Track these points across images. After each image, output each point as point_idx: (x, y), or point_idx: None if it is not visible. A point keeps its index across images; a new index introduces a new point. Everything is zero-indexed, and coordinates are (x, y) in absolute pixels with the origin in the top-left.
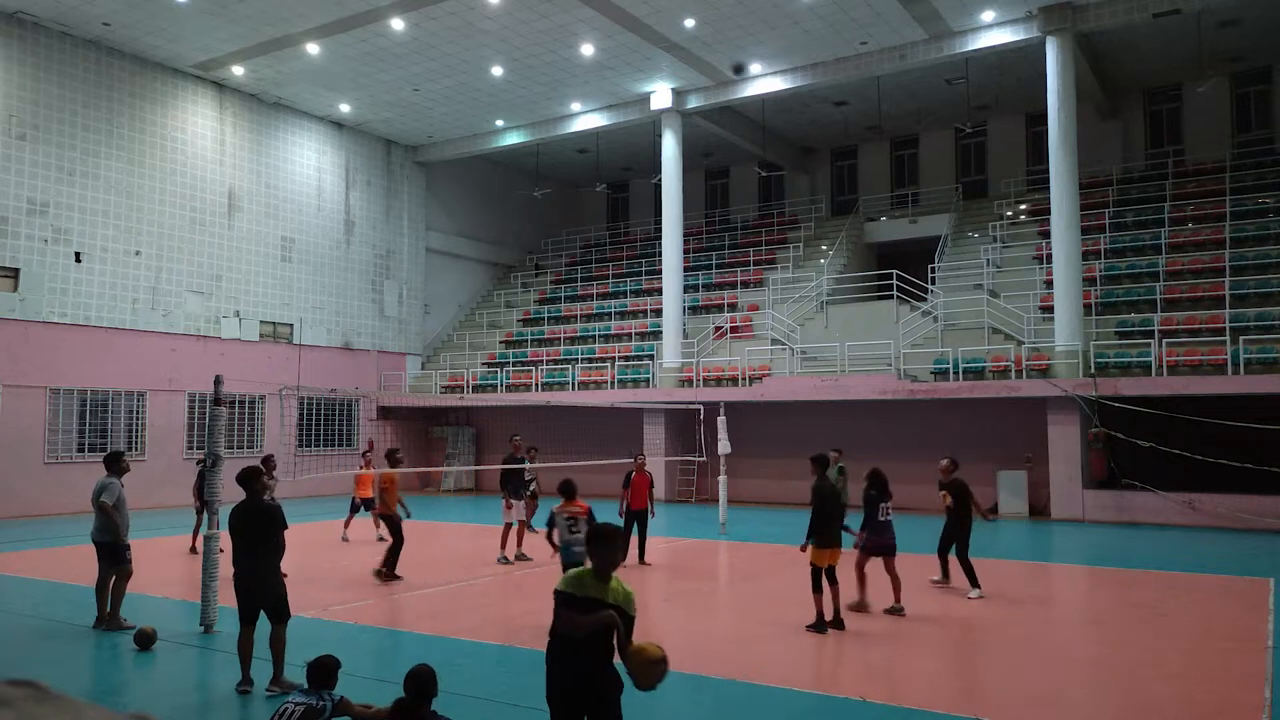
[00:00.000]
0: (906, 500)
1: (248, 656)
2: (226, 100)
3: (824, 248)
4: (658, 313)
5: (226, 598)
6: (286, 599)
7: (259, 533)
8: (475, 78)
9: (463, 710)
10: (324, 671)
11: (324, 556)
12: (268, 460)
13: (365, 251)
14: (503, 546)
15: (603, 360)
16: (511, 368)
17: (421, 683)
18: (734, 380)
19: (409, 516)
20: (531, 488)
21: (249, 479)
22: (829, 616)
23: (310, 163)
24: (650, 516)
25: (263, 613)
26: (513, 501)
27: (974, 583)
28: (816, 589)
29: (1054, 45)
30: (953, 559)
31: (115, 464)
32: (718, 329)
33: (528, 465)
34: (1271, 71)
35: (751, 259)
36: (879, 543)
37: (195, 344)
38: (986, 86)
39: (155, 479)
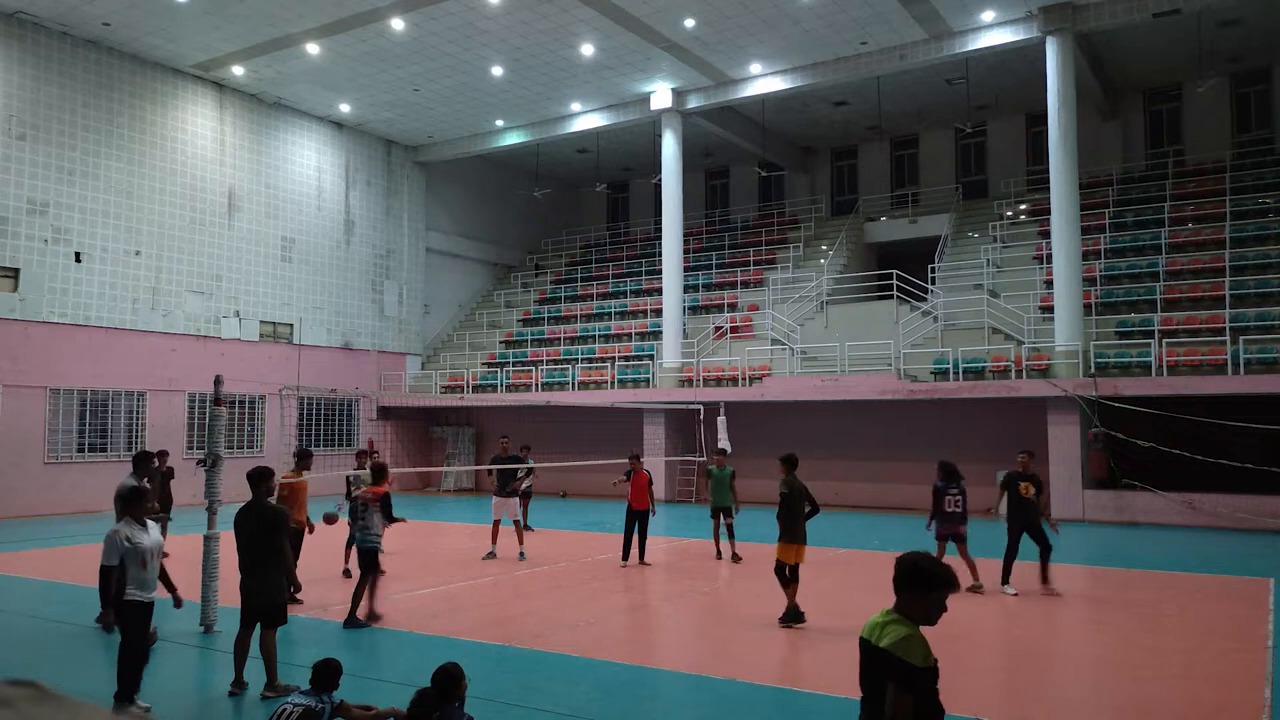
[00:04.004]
0: (910, 500)
1: (243, 658)
2: (226, 100)
3: (824, 248)
4: (658, 313)
5: (226, 598)
6: (284, 606)
7: (259, 535)
8: (475, 78)
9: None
10: (327, 674)
11: (324, 556)
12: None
13: (365, 251)
14: (493, 542)
15: (603, 360)
16: (511, 368)
17: (447, 682)
18: (734, 380)
19: (310, 531)
20: (526, 484)
21: (258, 479)
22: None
23: (310, 163)
24: (651, 515)
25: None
26: (494, 499)
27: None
28: (789, 582)
29: (1054, 45)
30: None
31: (142, 465)
32: (718, 329)
33: (529, 465)
34: (1271, 71)
35: (751, 259)
36: (951, 530)
37: (195, 344)
38: (986, 86)
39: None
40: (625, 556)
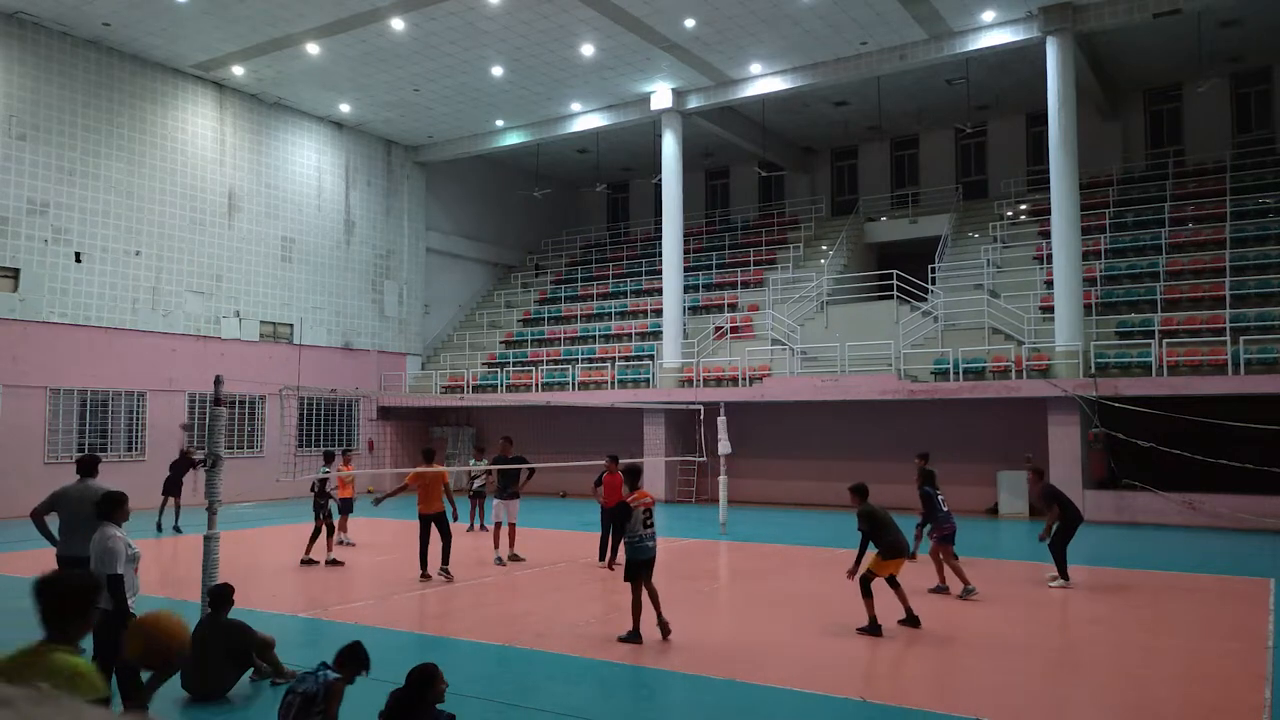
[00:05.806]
0: (911, 500)
1: None
2: (226, 100)
3: (824, 248)
4: (658, 313)
5: None
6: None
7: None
8: (475, 78)
9: (463, 710)
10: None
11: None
12: (347, 453)
13: (365, 251)
14: (495, 546)
15: (603, 360)
16: (512, 368)
17: (423, 681)
18: (734, 380)
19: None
20: (479, 484)
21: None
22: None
23: (310, 163)
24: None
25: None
26: (495, 501)
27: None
28: (866, 594)
29: (1054, 45)
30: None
31: (90, 468)
32: (718, 329)
33: (531, 466)
34: (1271, 71)
35: (751, 259)
36: (948, 530)
37: (195, 344)
38: (986, 86)
39: (155, 479)
40: (602, 557)
